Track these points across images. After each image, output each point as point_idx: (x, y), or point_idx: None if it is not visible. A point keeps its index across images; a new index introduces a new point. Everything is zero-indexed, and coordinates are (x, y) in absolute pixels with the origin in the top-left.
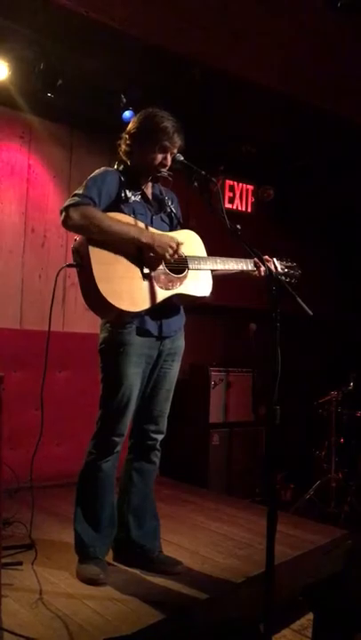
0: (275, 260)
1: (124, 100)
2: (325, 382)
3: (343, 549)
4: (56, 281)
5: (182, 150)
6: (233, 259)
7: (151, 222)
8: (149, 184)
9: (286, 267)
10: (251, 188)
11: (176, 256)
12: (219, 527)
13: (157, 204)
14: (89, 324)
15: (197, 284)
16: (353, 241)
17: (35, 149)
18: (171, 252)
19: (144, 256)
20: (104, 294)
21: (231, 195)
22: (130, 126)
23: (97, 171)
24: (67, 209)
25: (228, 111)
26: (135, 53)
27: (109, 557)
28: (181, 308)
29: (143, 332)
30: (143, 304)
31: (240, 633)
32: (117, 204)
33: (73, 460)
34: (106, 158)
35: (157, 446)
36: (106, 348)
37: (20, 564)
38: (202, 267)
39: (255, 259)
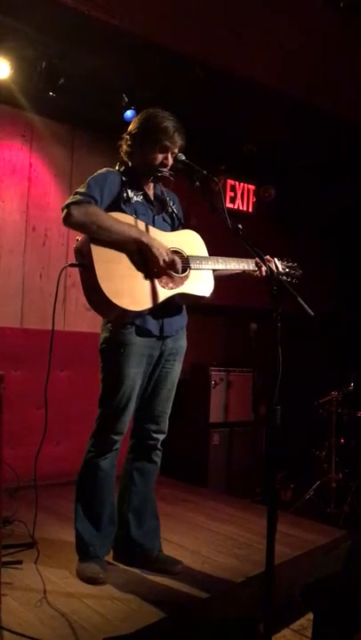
0: (276, 259)
1: (126, 99)
2: (326, 382)
3: (343, 549)
4: (59, 280)
5: (184, 150)
6: (234, 258)
7: (153, 222)
8: (151, 184)
9: (287, 267)
10: (252, 187)
11: (165, 265)
12: (219, 527)
13: (159, 205)
14: (90, 323)
15: (199, 283)
16: (353, 241)
17: (36, 148)
18: (163, 261)
19: (145, 255)
20: (106, 293)
21: (232, 194)
22: (131, 127)
23: (99, 171)
24: (68, 206)
25: (229, 111)
26: (137, 52)
27: (109, 557)
28: (184, 307)
29: (144, 331)
30: (145, 303)
31: (240, 633)
32: (119, 204)
33: (73, 459)
34: (107, 157)
35: (159, 446)
36: (107, 347)
37: (20, 562)
38: (203, 266)
39: (256, 258)
